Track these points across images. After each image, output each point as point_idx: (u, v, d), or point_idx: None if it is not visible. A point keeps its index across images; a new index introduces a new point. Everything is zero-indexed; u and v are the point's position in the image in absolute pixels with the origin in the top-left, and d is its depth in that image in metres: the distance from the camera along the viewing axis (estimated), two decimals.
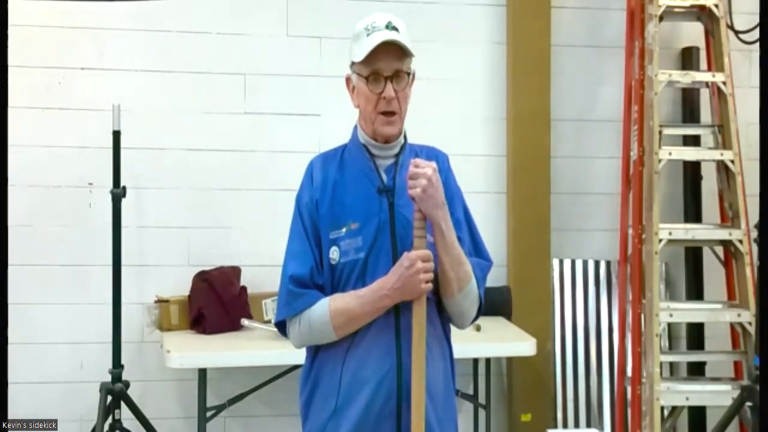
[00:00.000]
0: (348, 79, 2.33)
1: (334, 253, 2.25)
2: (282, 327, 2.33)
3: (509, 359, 4.50)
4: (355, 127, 2.36)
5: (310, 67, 4.44)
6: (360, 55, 2.22)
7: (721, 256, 4.43)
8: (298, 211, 2.32)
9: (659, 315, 4.07)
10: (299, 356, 2.40)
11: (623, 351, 4.40)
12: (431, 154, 2.39)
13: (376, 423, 2.22)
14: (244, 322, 4.07)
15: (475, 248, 2.37)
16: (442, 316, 2.33)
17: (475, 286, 2.29)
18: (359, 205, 2.26)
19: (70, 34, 4.29)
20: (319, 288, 2.26)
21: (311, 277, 2.25)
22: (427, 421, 2.20)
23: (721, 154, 4.26)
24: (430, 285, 2.19)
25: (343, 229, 2.25)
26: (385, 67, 2.22)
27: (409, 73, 2.27)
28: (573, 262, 4.63)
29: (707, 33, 4.50)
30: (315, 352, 2.32)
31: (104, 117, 4.04)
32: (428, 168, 2.18)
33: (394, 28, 2.23)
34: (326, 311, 2.22)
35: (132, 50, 4.34)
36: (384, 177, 2.30)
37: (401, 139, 2.34)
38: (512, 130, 4.56)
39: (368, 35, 2.22)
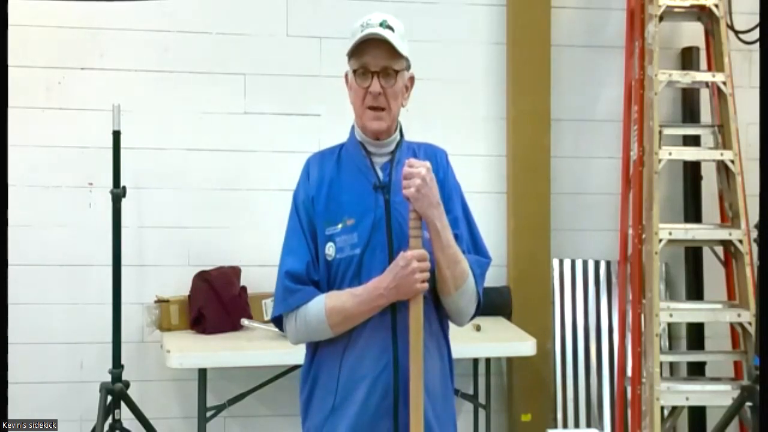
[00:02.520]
0: (346, 76, 2.34)
1: (329, 249, 2.25)
2: (279, 323, 2.34)
3: (509, 359, 4.50)
4: (353, 126, 2.37)
5: (310, 67, 4.44)
6: (349, 49, 2.26)
7: (721, 256, 4.43)
8: (294, 207, 2.33)
9: (659, 315, 4.07)
10: (299, 356, 2.40)
11: (623, 351, 4.40)
12: (429, 151, 2.39)
13: (374, 421, 2.22)
14: (244, 322, 4.07)
15: (474, 245, 2.37)
16: (439, 314, 2.33)
17: (473, 284, 2.29)
18: (355, 201, 2.27)
19: (70, 34, 4.29)
20: (315, 284, 2.26)
21: (307, 273, 2.26)
22: (426, 419, 2.20)
23: (721, 154, 4.26)
24: (425, 285, 2.18)
25: (339, 225, 2.25)
26: (372, 62, 2.24)
27: (398, 71, 2.26)
28: (573, 262, 4.63)
29: (707, 33, 4.49)
30: (314, 350, 2.32)
31: (104, 117, 4.04)
32: (422, 167, 2.18)
33: (389, 27, 2.24)
34: (322, 309, 2.22)
35: (132, 50, 4.34)
36: (380, 174, 2.31)
37: (396, 136, 2.35)
38: (512, 130, 4.56)
39: (362, 31, 2.24)
